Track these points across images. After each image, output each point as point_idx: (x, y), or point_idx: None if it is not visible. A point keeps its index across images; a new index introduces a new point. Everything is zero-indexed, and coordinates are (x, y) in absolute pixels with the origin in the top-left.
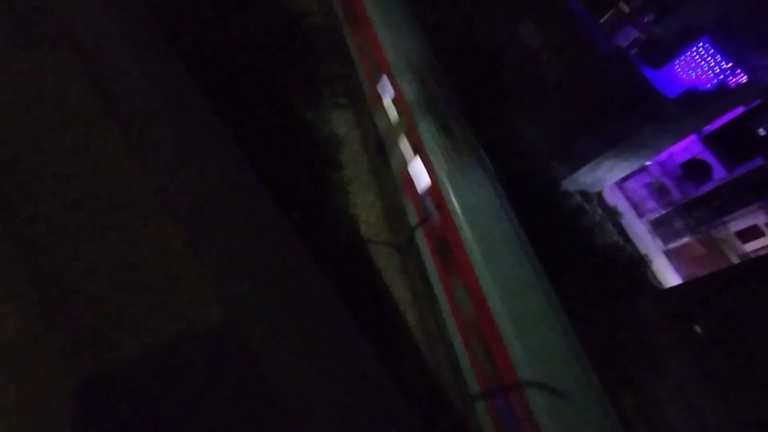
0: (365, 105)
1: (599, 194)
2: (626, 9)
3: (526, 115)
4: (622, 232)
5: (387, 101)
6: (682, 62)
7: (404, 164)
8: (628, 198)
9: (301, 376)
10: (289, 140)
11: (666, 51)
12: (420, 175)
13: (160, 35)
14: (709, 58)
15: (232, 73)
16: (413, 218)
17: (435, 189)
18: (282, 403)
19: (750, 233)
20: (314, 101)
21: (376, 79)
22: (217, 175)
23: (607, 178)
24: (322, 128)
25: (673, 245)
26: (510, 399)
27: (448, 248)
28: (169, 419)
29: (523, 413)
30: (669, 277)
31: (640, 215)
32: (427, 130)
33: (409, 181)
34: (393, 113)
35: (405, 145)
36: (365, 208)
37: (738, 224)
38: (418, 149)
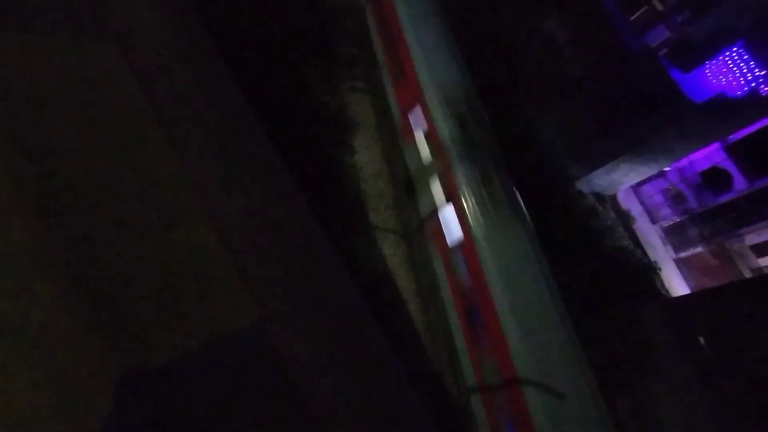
0: (383, 90)
1: (613, 197)
2: (660, 7)
3: (546, 111)
4: (634, 237)
5: (419, 136)
6: (713, 66)
7: (434, 209)
8: (642, 203)
9: (329, 383)
10: (303, 121)
11: (697, 54)
12: (451, 225)
13: (202, 30)
14: (742, 63)
15: (248, 48)
16: (424, 209)
17: (468, 244)
18: (310, 408)
19: (766, 248)
20: (331, 84)
21: (408, 107)
22: (257, 178)
23: (623, 181)
24: (338, 111)
25: (684, 254)
26: (507, 394)
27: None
28: (197, 419)
29: (518, 410)
30: (677, 285)
31: (654, 221)
32: (464, 177)
33: (438, 228)
34: (425, 151)
35: (437, 189)
36: (375, 195)
37: (754, 238)
38: (452, 197)
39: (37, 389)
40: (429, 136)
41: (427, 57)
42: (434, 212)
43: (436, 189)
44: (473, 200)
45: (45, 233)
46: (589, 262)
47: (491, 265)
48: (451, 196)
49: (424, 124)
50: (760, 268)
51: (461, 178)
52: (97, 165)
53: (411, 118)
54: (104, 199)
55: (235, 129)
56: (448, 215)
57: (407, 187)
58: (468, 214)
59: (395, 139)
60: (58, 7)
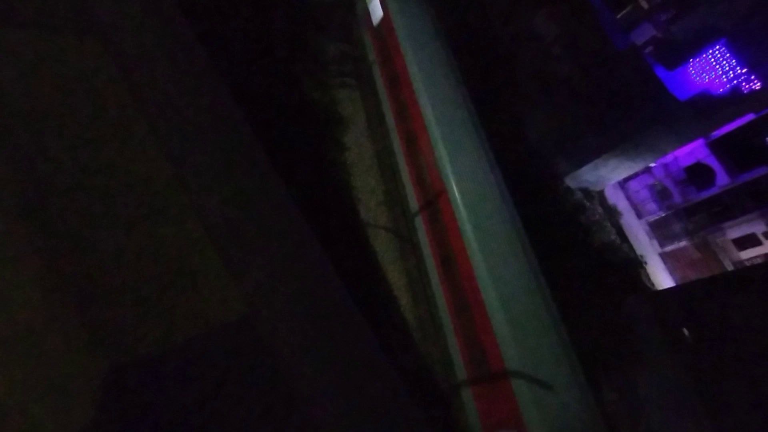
0: (371, 86)
1: (601, 193)
2: (645, 5)
3: (534, 108)
4: (620, 232)
5: None
6: (697, 64)
7: (366, 9)
8: (629, 198)
9: (318, 376)
10: (292, 117)
11: (681, 51)
12: (375, 9)
13: (181, 16)
14: (725, 62)
15: (237, 43)
16: (414, 206)
17: (386, 20)
18: (299, 401)
19: (747, 241)
20: (321, 81)
21: None
22: (244, 172)
23: (610, 177)
24: (328, 107)
25: (669, 248)
26: (495, 386)
27: (444, 231)
28: (186, 411)
29: (507, 402)
30: (662, 279)
31: (640, 216)
32: None
33: (368, 19)
34: None
35: None
36: (366, 192)
37: (735, 231)
38: None
39: (24, 385)
40: None
41: None
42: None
43: None
44: None
45: (28, 229)
46: (576, 257)
47: (404, 34)
48: None
49: None
50: (741, 261)
51: None
52: (79, 159)
53: None
54: (88, 193)
55: (219, 123)
56: (374, 5)
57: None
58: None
59: (386, 135)
60: None
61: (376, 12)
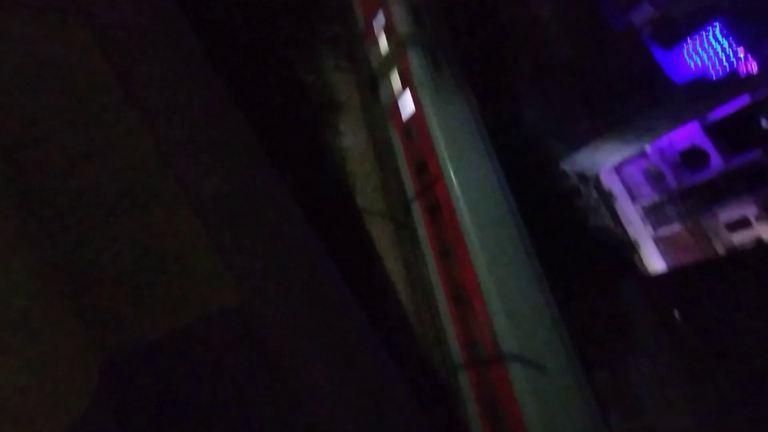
0: (366, 68)
1: (596, 177)
2: None
3: (531, 90)
4: (615, 216)
5: (382, 38)
6: (693, 45)
7: (394, 97)
8: (624, 182)
9: (313, 360)
10: (287, 102)
11: (678, 31)
12: (406, 104)
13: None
14: (722, 43)
15: (228, 27)
16: (410, 191)
17: (419, 115)
18: (295, 385)
19: (739, 224)
20: (315, 63)
21: (372, 14)
22: (235, 159)
23: (606, 161)
24: (323, 92)
25: (662, 232)
26: (492, 370)
27: (440, 217)
28: (182, 399)
29: (503, 384)
30: (655, 262)
31: (634, 200)
32: (416, 63)
33: (397, 113)
34: (386, 48)
35: (395, 79)
36: (362, 178)
37: (728, 215)
38: (406, 81)
39: (21, 374)
40: (389, 32)
41: None
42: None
43: (395, 80)
44: (424, 81)
45: (20, 218)
46: (571, 241)
47: (438, 129)
48: (406, 81)
49: (383, 21)
50: (732, 244)
51: (414, 65)
52: (69, 146)
53: (375, 24)
54: (79, 180)
55: (209, 108)
56: (404, 98)
57: (371, 85)
58: (419, 90)
59: (382, 119)
60: None
61: (407, 107)
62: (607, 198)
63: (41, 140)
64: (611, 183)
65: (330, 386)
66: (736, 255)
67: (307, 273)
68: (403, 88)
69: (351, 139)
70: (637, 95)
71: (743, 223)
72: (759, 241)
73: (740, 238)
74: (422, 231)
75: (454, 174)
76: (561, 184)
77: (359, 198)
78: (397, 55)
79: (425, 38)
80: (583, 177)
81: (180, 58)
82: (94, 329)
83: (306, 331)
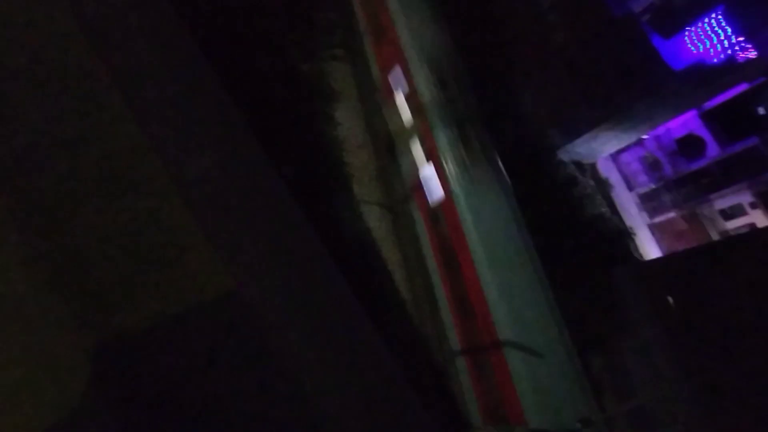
0: (362, 58)
1: (593, 165)
2: None
3: (528, 78)
4: (611, 204)
5: (400, 98)
6: (693, 33)
7: (415, 169)
8: (620, 170)
9: (308, 349)
10: (282, 93)
11: (678, 19)
12: (432, 184)
13: None
14: (721, 30)
15: (222, 17)
16: (405, 171)
17: (448, 205)
18: (289, 373)
19: (733, 212)
20: (310, 52)
21: (388, 68)
22: (227, 149)
23: (603, 149)
24: (318, 81)
25: (658, 219)
26: (489, 357)
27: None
28: (175, 384)
29: (500, 370)
30: (651, 250)
31: (630, 188)
32: (443, 137)
33: (419, 187)
34: (406, 113)
35: (417, 150)
36: (359, 168)
37: (723, 202)
38: (431, 156)
39: (17, 363)
40: (409, 97)
41: (408, 16)
42: (417, 176)
43: (417, 150)
44: (452, 159)
45: (11, 207)
46: (568, 229)
47: (470, 221)
48: (431, 156)
49: (405, 85)
50: (727, 231)
51: (441, 138)
52: (55, 133)
53: (391, 79)
54: (66, 168)
55: (196, 94)
56: (428, 175)
57: (389, 150)
58: (447, 172)
59: (378, 107)
60: None
61: (433, 190)
62: (603, 186)
63: (27, 129)
64: (608, 171)
65: (324, 371)
66: (728, 241)
67: (303, 262)
68: (427, 160)
69: (348, 128)
70: (636, 84)
71: (738, 210)
72: (753, 227)
73: (735, 225)
74: (420, 220)
75: (450, 160)
76: (558, 172)
77: (357, 187)
78: (419, 124)
79: (452, 109)
80: (579, 165)
81: (166, 43)
82: (86, 317)
83: (300, 320)
